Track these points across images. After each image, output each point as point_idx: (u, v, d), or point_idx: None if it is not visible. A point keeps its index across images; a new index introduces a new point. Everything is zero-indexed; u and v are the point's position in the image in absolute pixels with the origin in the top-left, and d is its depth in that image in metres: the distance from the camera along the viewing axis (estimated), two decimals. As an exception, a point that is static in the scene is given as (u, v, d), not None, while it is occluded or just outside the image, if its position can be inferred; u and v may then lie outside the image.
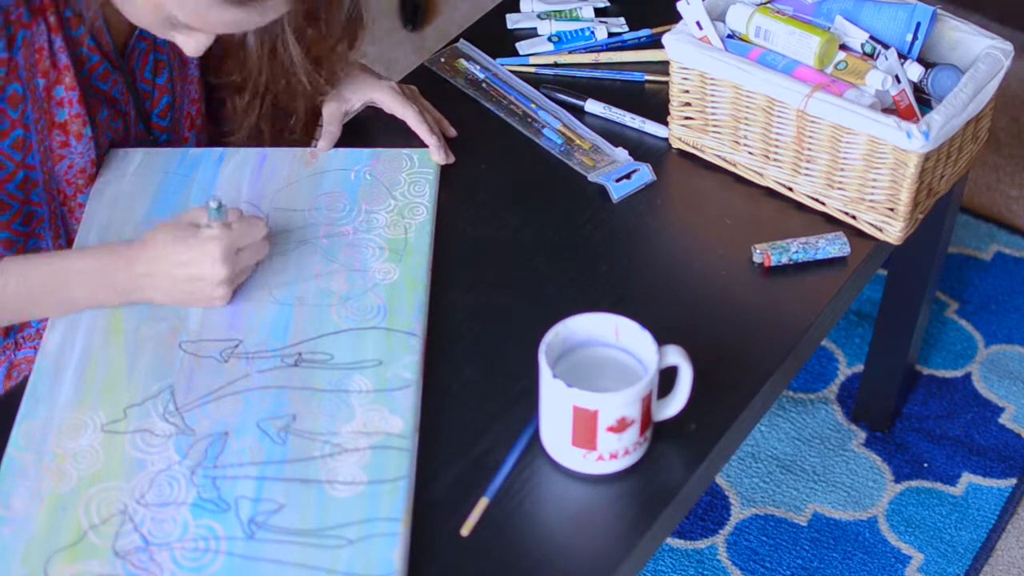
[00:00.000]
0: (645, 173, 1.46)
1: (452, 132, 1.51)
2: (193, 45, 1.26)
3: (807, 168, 1.41)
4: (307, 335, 1.26)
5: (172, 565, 1.09)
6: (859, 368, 2.05)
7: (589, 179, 1.46)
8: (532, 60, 1.62)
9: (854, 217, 1.41)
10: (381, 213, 1.38)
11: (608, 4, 1.70)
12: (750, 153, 1.45)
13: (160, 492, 1.14)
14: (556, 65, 1.61)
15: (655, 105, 1.54)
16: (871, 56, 1.40)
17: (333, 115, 1.46)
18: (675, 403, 1.18)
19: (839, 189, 1.40)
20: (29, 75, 1.27)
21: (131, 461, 1.16)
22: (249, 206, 1.38)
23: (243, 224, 1.26)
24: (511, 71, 1.60)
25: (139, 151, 1.42)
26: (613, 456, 1.16)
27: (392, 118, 1.50)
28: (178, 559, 1.09)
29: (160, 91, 1.42)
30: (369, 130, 1.52)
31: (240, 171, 1.43)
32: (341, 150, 1.45)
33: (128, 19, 1.26)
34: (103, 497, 1.14)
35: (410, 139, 1.47)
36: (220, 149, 1.45)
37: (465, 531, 1.14)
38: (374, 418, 1.19)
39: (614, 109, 1.54)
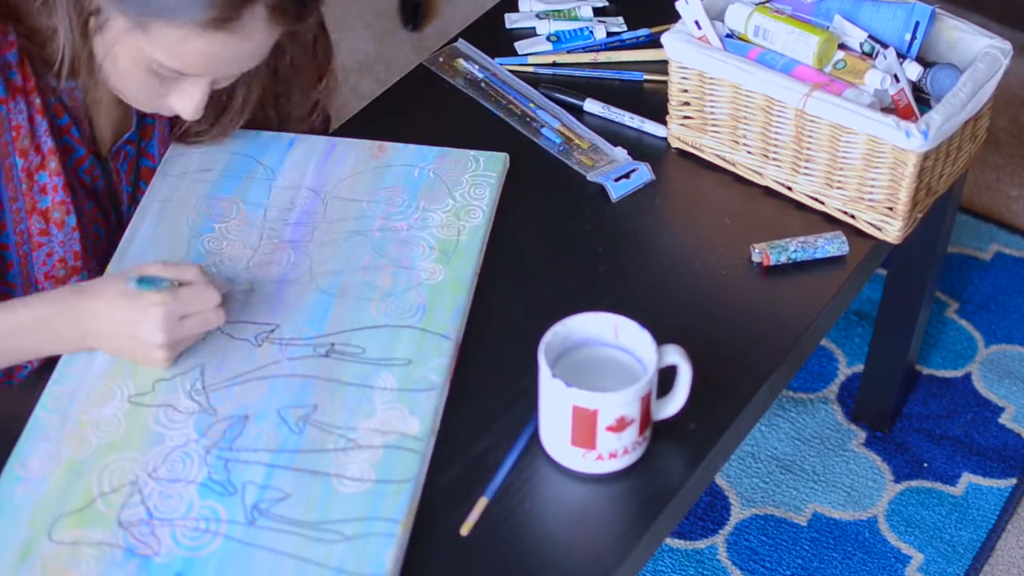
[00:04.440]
0: (644, 172, 1.46)
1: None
2: (188, 102, 1.23)
3: (806, 167, 1.41)
4: (343, 327, 1.27)
5: (171, 541, 1.10)
6: (859, 368, 2.04)
7: (588, 178, 1.46)
8: (531, 60, 1.62)
9: (853, 216, 1.41)
10: (438, 212, 1.38)
11: (607, 3, 1.70)
12: (749, 152, 1.45)
13: (172, 468, 1.15)
14: (555, 64, 1.61)
15: (654, 104, 1.54)
16: (870, 55, 1.40)
17: None
18: (674, 403, 1.18)
19: (838, 188, 1.40)
20: (4, 153, 1.25)
21: (150, 434, 1.18)
22: (309, 192, 1.39)
23: (192, 291, 1.21)
24: (510, 71, 1.60)
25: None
26: (612, 455, 1.16)
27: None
28: (178, 537, 1.11)
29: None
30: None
31: (307, 158, 1.43)
32: (410, 146, 1.45)
33: (123, 96, 1.24)
34: (117, 466, 1.15)
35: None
36: (291, 134, 1.45)
37: (465, 531, 1.14)
38: (393, 417, 1.19)
39: (613, 108, 1.54)
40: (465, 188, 1.40)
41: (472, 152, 1.44)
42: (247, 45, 1.18)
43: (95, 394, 1.21)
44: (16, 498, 1.13)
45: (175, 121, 1.41)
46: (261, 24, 1.17)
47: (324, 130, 1.53)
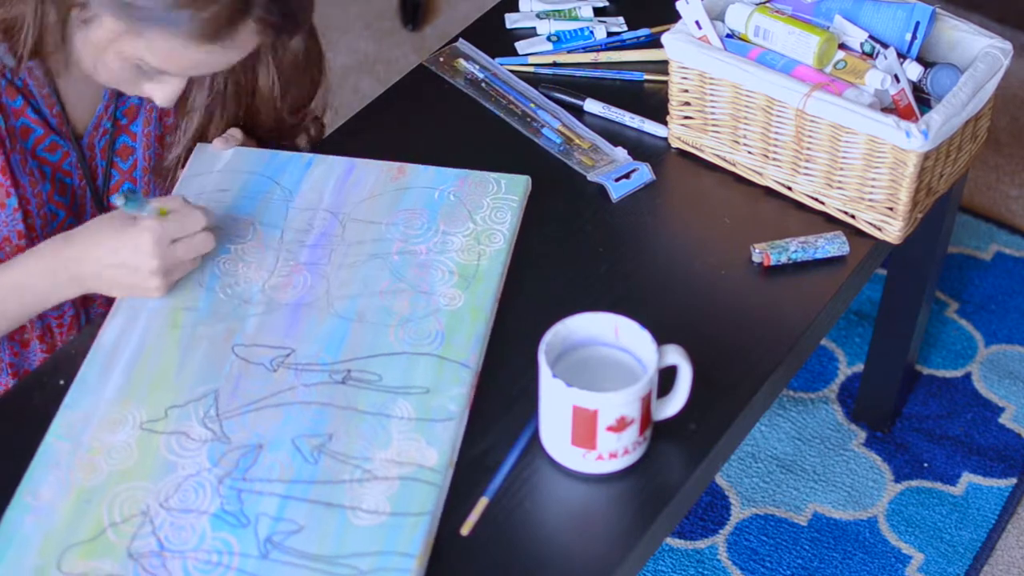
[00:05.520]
0: (644, 172, 1.46)
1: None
2: (164, 93, 1.26)
3: (806, 167, 1.41)
4: (360, 353, 1.24)
5: (182, 574, 1.08)
6: (859, 368, 2.04)
7: (588, 178, 1.46)
8: (531, 59, 1.62)
9: (853, 216, 1.41)
10: (458, 236, 1.35)
11: (607, 3, 1.70)
12: (749, 152, 1.45)
13: (184, 498, 1.13)
14: (555, 64, 1.61)
15: (654, 104, 1.54)
16: (870, 55, 1.40)
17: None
18: (675, 402, 1.18)
19: (838, 188, 1.40)
20: None
21: (163, 462, 1.16)
22: (327, 214, 1.37)
23: (179, 215, 1.24)
24: (510, 70, 1.60)
25: (231, 149, 1.42)
26: (613, 455, 1.16)
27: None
28: (189, 569, 1.09)
29: (122, 175, 1.41)
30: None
31: (325, 178, 1.41)
32: (430, 168, 1.42)
33: (97, 79, 1.26)
34: (128, 496, 1.13)
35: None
36: (309, 155, 1.44)
37: (465, 531, 1.14)
38: (410, 448, 1.17)
39: (613, 109, 1.54)
40: (486, 211, 1.38)
41: (494, 174, 1.42)
42: (235, 53, 1.22)
43: (107, 420, 1.19)
44: (25, 528, 1.11)
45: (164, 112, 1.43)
46: (250, 35, 1.21)
47: (318, 137, 1.53)
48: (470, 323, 1.27)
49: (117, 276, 1.24)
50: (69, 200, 1.39)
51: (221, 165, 1.41)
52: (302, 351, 1.25)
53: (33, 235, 1.35)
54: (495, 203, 1.39)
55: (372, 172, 1.42)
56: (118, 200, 1.19)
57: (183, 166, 1.41)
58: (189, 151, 1.42)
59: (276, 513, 1.12)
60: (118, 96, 1.38)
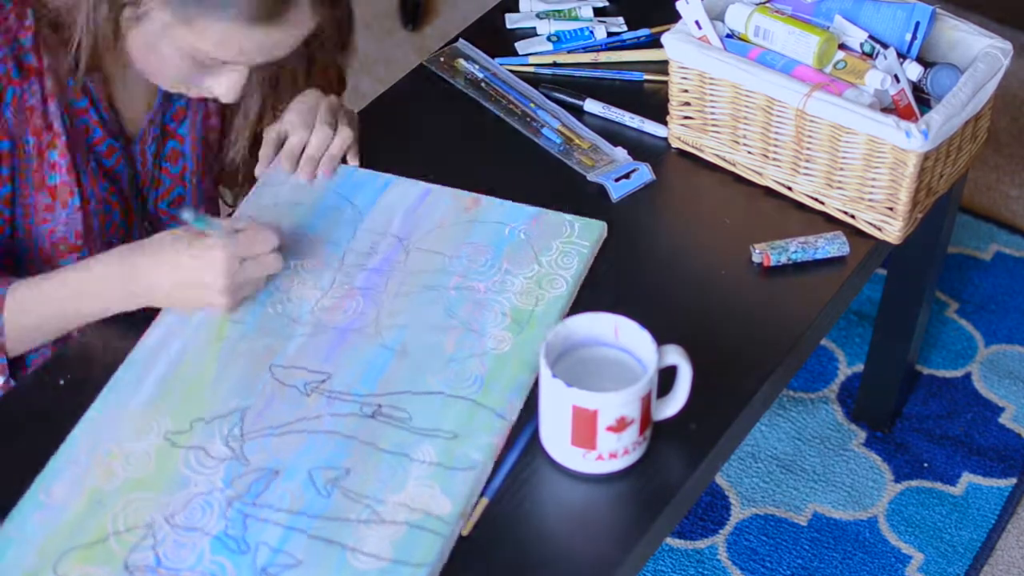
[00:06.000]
0: (644, 173, 1.46)
1: (355, 161, 1.44)
2: (227, 86, 1.25)
3: (806, 167, 1.41)
4: (395, 388, 1.21)
5: None
6: (859, 368, 2.04)
7: (588, 179, 1.46)
8: (531, 60, 1.62)
9: (853, 216, 1.41)
10: (519, 278, 1.31)
11: (607, 4, 1.70)
12: (749, 152, 1.45)
13: (191, 516, 1.12)
14: (555, 65, 1.61)
15: (654, 105, 1.54)
16: (870, 55, 1.40)
17: (268, 136, 1.41)
18: (674, 402, 1.18)
19: (838, 188, 1.40)
20: (19, 132, 1.27)
21: (177, 476, 1.15)
22: (394, 239, 1.35)
23: (249, 235, 1.23)
24: (510, 71, 1.60)
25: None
26: (612, 455, 1.16)
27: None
28: None
29: (173, 180, 1.42)
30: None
31: (398, 202, 1.39)
32: (506, 203, 1.39)
33: (154, 81, 1.26)
34: (137, 505, 1.12)
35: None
36: (387, 175, 1.41)
37: (464, 531, 1.14)
38: (423, 494, 1.13)
39: (613, 109, 1.54)
40: (553, 255, 1.33)
41: (568, 217, 1.38)
42: (292, 34, 1.21)
43: (132, 426, 1.18)
44: (32, 525, 1.11)
45: (210, 112, 1.43)
46: (304, 14, 1.20)
47: (340, 90, 1.52)
48: (513, 371, 1.23)
49: (185, 292, 1.23)
50: (123, 203, 1.39)
51: (295, 180, 1.39)
52: (338, 378, 1.22)
53: (91, 236, 1.36)
54: (564, 247, 1.35)
55: (445, 200, 1.39)
56: (187, 214, 1.18)
57: (246, 170, 1.41)
58: (248, 148, 1.40)
59: (277, 544, 1.10)
60: (168, 101, 1.39)
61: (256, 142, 1.42)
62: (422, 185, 1.41)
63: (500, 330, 1.27)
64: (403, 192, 1.40)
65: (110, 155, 1.36)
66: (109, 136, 1.35)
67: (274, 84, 1.38)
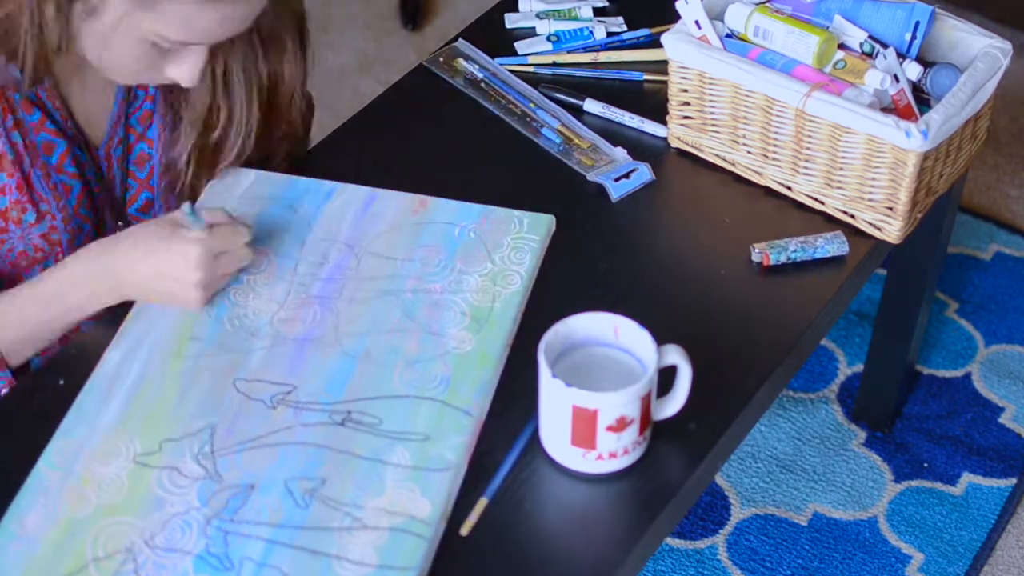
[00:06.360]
0: (644, 172, 1.46)
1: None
2: (187, 69, 1.23)
3: (806, 167, 1.41)
4: (362, 394, 1.21)
5: None
6: (859, 368, 2.04)
7: (588, 178, 1.46)
8: (531, 59, 1.62)
9: (853, 216, 1.41)
10: (474, 276, 1.32)
11: (607, 3, 1.70)
12: (749, 152, 1.45)
13: (171, 536, 1.11)
14: (555, 64, 1.61)
15: (654, 104, 1.54)
16: (870, 55, 1.40)
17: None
18: (674, 402, 1.18)
19: (838, 188, 1.40)
20: None
21: (152, 498, 1.14)
22: (344, 246, 1.35)
23: (223, 229, 1.24)
24: (510, 70, 1.60)
25: (252, 172, 1.40)
26: (612, 455, 1.16)
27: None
28: None
29: (140, 184, 1.40)
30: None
31: (345, 209, 1.38)
32: (452, 203, 1.39)
33: (112, 77, 1.24)
34: (114, 530, 1.11)
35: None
36: (331, 183, 1.41)
37: (464, 531, 1.14)
38: (403, 497, 1.13)
39: (613, 108, 1.54)
40: (506, 251, 1.34)
41: (517, 212, 1.38)
42: (251, 5, 1.19)
43: (100, 450, 1.16)
44: (8, 558, 1.09)
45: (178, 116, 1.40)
46: None
47: (309, 115, 1.51)
48: (477, 369, 1.24)
49: (160, 285, 1.23)
50: (93, 213, 1.37)
51: (242, 191, 1.39)
52: (304, 389, 1.22)
53: (58, 250, 1.34)
54: (515, 242, 1.35)
55: (393, 204, 1.39)
56: (185, 207, 1.19)
57: (193, 172, 1.39)
58: (199, 150, 1.38)
59: (261, 559, 1.09)
60: (129, 103, 1.37)
61: (202, 151, 1.38)
62: (367, 190, 1.41)
63: (460, 330, 1.27)
64: (349, 198, 1.40)
65: (75, 164, 1.33)
66: (73, 146, 1.32)
67: (225, 84, 1.35)
